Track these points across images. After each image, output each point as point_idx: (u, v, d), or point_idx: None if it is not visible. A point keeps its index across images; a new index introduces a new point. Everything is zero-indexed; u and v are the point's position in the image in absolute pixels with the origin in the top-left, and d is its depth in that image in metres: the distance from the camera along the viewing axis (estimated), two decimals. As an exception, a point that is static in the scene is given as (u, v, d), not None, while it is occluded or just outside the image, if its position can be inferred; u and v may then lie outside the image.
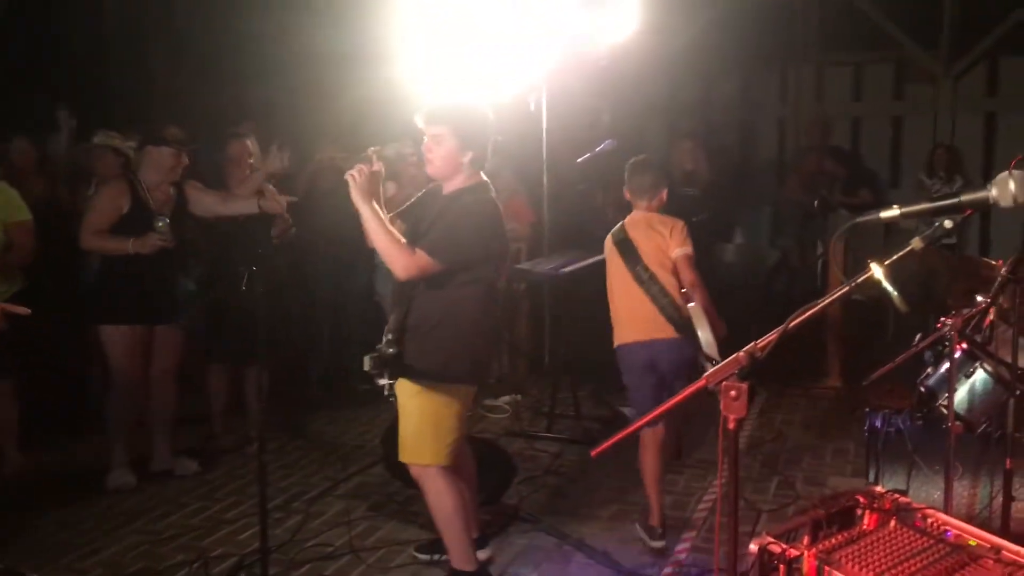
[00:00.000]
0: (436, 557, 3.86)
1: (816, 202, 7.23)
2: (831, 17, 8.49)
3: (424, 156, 3.46)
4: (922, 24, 8.35)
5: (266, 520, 3.32)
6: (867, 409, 3.69)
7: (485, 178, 3.50)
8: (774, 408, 6.06)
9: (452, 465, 3.51)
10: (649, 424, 3.30)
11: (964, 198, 1.77)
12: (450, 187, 3.44)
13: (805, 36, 8.67)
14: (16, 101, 6.49)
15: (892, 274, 1.75)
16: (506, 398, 6.12)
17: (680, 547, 4.09)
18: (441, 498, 3.50)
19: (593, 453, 2.03)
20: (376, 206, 3.35)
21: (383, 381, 3.46)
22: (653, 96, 8.70)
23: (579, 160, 6.04)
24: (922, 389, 3.44)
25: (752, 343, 1.79)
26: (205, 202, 4.97)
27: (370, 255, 6.17)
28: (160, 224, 4.70)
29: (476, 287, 3.41)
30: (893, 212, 1.82)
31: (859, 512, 2.60)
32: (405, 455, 3.54)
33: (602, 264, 5.88)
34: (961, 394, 3.29)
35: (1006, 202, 1.77)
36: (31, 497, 4.66)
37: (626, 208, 4.27)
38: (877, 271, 1.77)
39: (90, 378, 5.59)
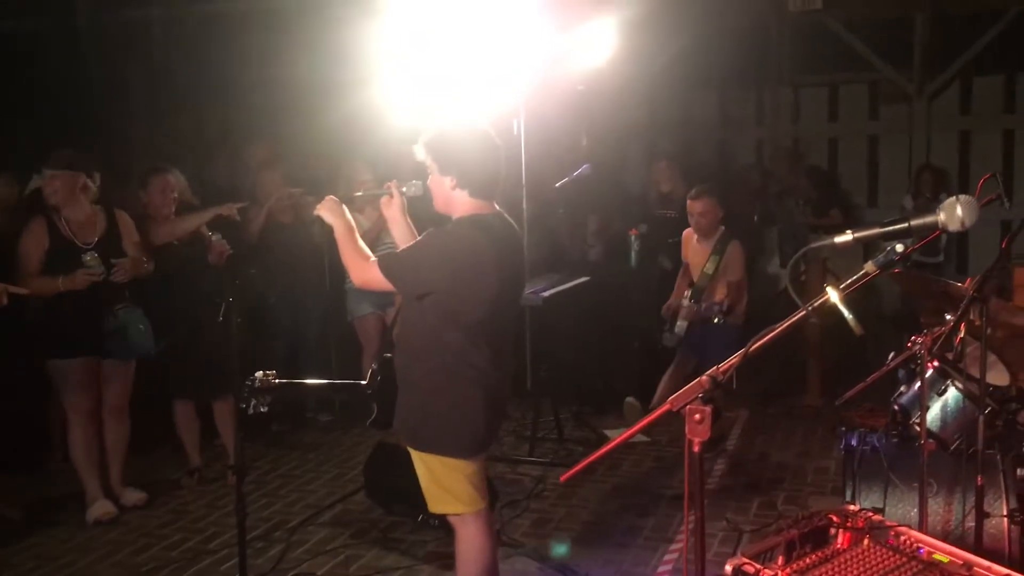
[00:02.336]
0: None
1: (756, 216, 7.41)
2: (805, 39, 8.61)
3: (431, 189, 3.25)
4: (895, 46, 8.49)
5: (245, 551, 3.30)
6: (843, 428, 3.71)
7: (497, 209, 3.23)
8: (756, 428, 6.09)
9: (484, 510, 3.26)
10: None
11: (913, 222, 1.81)
12: (455, 217, 3.20)
13: (780, 58, 8.79)
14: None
15: (849, 298, 1.78)
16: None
17: (662, 568, 4.09)
18: (471, 545, 3.24)
19: (562, 478, 2.04)
20: (347, 219, 3.31)
21: (371, 418, 3.41)
22: (632, 119, 8.79)
23: (557, 184, 6.09)
24: (896, 407, 3.47)
25: (714, 367, 1.81)
26: (163, 229, 4.98)
27: (339, 281, 6.13)
28: (88, 258, 4.63)
29: (447, 317, 3.10)
30: (846, 237, 1.86)
31: (833, 531, 2.62)
32: (431, 506, 3.30)
33: (582, 288, 5.95)
34: (934, 412, 3.32)
35: (954, 226, 1.81)
36: (6, 531, 4.63)
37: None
38: (833, 295, 1.81)
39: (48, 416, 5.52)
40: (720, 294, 5.63)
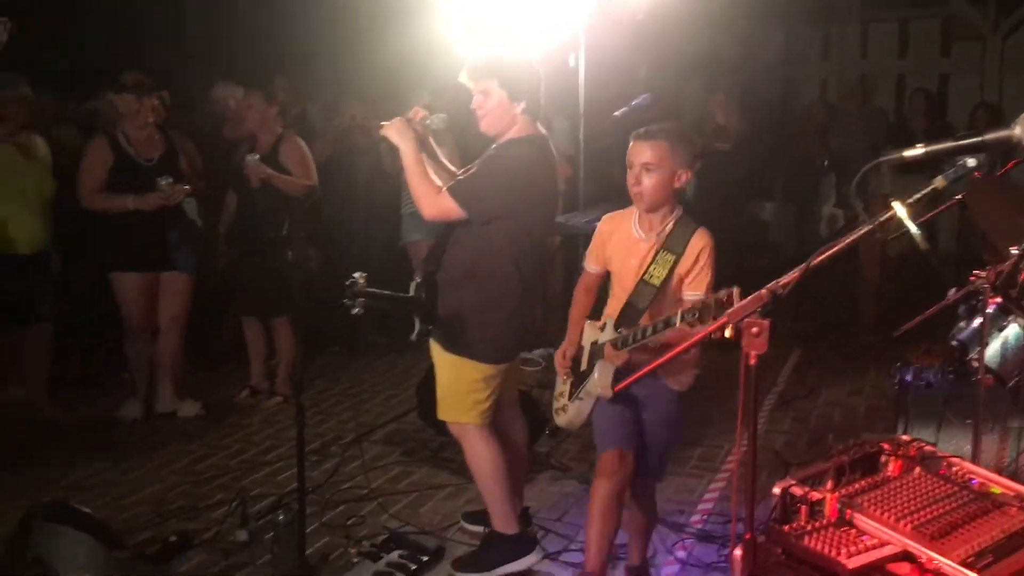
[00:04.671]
0: (485, 529, 3.65)
1: (825, 161, 7.18)
2: (877, -29, 8.33)
3: (477, 113, 3.35)
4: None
5: (304, 461, 3.40)
6: (898, 364, 3.68)
7: (542, 130, 3.40)
8: (807, 365, 6.06)
9: (489, 424, 3.48)
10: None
11: (987, 136, 1.76)
12: (502, 139, 3.35)
13: (849, -9, 8.52)
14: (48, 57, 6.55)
15: (915, 214, 1.75)
16: (539, 351, 6.16)
17: (708, 496, 4.14)
18: (478, 457, 3.48)
19: (616, 388, 2.08)
20: (415, 142, 3.33)
21: (415, 331, 3.49)
22: (692, 52, 8.61)
23: (616, 114, 6.01)
24: (954, 343, 3.43)
25: (774, 281, 1.81)
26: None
27: (397, 207, 6.23)
28: (163, 183, 4.78)
29: (509, 240, 3.30)
30: (916, 151, 1.82)
31: (883, 459, 2.62)
32: (441, 413, 3.52)
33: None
34: (993, 348, 3.28)
35: (1032, 138, 1.75)
36: (75, 440, 4.82)
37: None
38: (900, 209, 1.78)
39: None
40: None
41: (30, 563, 2.89)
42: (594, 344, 3.18)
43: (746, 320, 1.75)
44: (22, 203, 4.65)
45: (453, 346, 3.39)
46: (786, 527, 2.31)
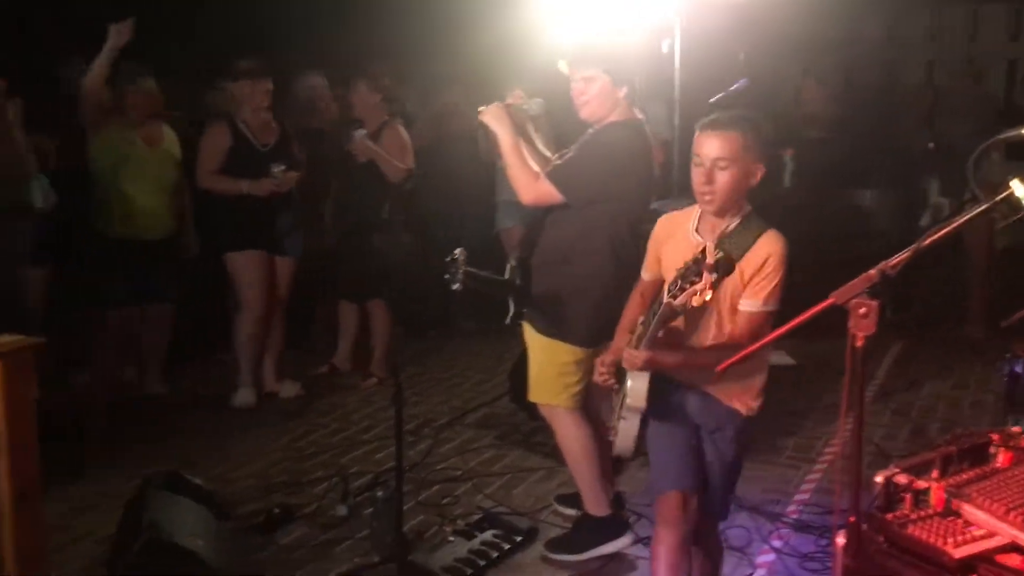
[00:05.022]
0: (578, 512, 3.68)
1: (931, 145, 6.90)
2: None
3: (576, 100, 3.35)
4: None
5: (402, 441, 3.48)
6: (1007, 355, 3.55)
7: (640, 115, 3.40)
8: (910, 357, 5.88)
9: (580, 407, 3.49)
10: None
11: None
12: (600, 124, 3.35)
13: (959, -29, 8.20)
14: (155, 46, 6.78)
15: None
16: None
17: (804, 486, 4.08)
18: (569, 440, 3.51)
19: (719, 368, 2.08)
20: (513, 130, 3.36)
21: (510, 314, 3.53)
22: (791, 35, 8.41)
23: (712, 100, 5.94)
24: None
25: (884, 261, 1.77)
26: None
27: (491, 194, 6.30)
28: (277, 170, 4.91)
29: (606, 224, 3.29)
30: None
31: (992, 450, 2.54)
32: (532, 395, 3.56)
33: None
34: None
35: None
36: (183, 415, 5.03)
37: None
38: (1019, 188, 1.72)
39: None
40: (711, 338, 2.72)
41: (146, 527, 3.04)
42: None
43: (854, 300, 1.73)
44: (149, 190, 4.83)
45: (547, 329, 3.41)
46: (889, 515, 2.27)
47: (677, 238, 2.75)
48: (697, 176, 2.62)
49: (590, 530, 3.54)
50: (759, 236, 2.61)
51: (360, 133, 5.21)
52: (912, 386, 5.40)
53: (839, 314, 2.13)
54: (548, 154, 3.61)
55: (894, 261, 1.78)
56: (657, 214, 5.14)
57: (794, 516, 3.82)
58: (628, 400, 2.62)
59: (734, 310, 2.61)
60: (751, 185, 2.65)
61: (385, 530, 3.50)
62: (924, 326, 6.24)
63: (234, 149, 4.95)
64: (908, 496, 2.32)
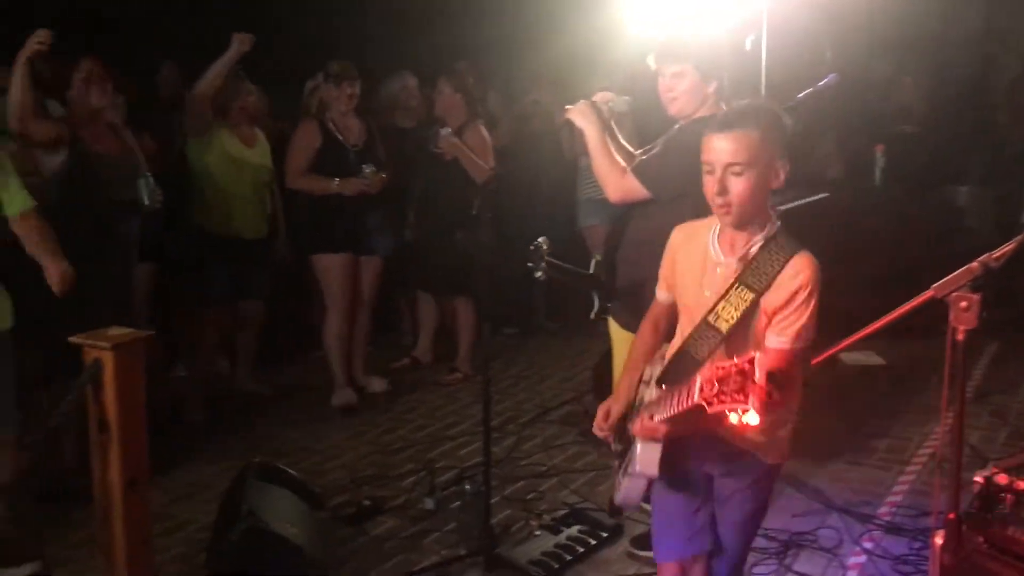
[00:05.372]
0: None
1: None
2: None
3: (664, 97, 3.34)
4: None
5: (489, 436, 3.52)
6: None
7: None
8: (1007, 358, 5.69)
9: None
10: None
11: None
12: (687, 120, 3.33)
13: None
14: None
15: None
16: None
17: (896, 488, 3.99)
18: None
19: (813, 361, 2.05)
20: (599, 127, 3.36)
21: (594, 309, 3.54)
22: (881, 30, 8.21)
23: (799, 96, 5.85)
24: None
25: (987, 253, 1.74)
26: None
27: (573, 192, 6.31)
28: (368, 171, 4.99)
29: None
30: None
31: (1100, 452, 2.47)
32: None
33: (816, 205, 5.69)
34: None
35: None
36: (273, 410, 5.18)
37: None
38: None
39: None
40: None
41: (244, 515, 3.15)
42: (639, 404, 2.44)
43: (955, 294, 1.70)
44: (246, 190, 4.97)
45: (632, 324, 3.40)
46: (989, 515, 2.23)
47: (694, 252, 2.41)
48: (709, 185, 2.27)
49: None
50: (787, 262, 2.21)
51: (447, 131, 5.29)
52: (1010, 388, 5.22)
53: (931, 312, 2.09)
54: (632, 150, 3.61)
55: (997, 253, 1.74)
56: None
57: (886, 518, 3.74)
58: (638, 467, 2.28)
59: (746, 345, 2.24)
60: (776, 187, 2.29)
61: (472, 523, 3.55)
62: (1021, 325, 6.01)
63: (324, 149, 5.05)
64: (1009, 496, 2.27)
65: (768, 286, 2.20)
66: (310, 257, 5.19)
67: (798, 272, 2.21)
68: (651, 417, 2.21)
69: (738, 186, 2.23)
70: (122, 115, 4.67)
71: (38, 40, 3.85)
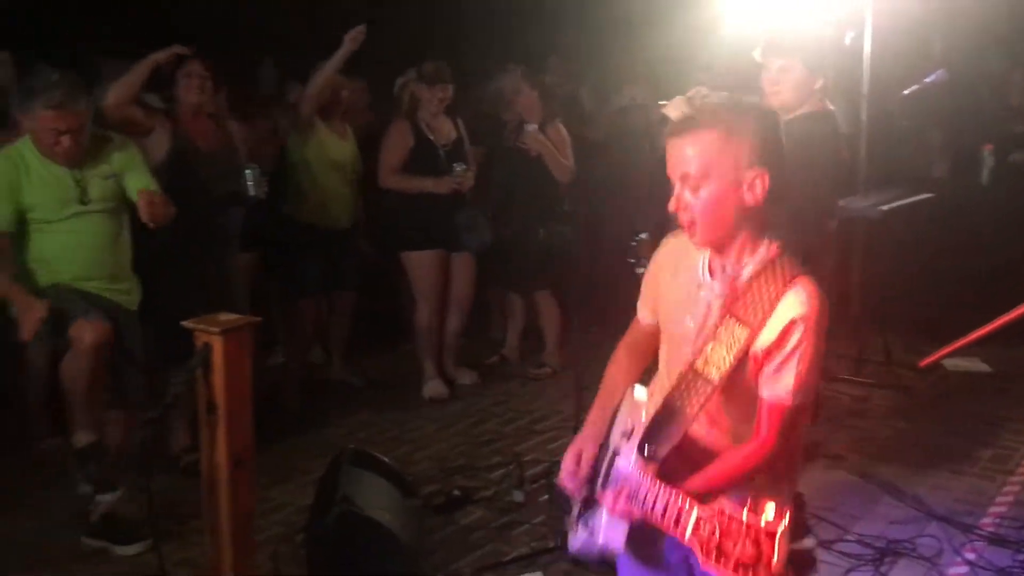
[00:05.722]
0: None
1: None
2: None
3: (768, 90, 3.30)
4: None
5: (579, 428, 3.51)
6: None
7: (831, 107, 3.34)
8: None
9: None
10: None
11: None
12: (790, 115, 3.26)
13: None
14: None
15: None
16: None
17: (1000, 499, 3.85)
18: None
19: (922, 364, 1.93)
20: None
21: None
22: (994, 23, 7.88)
23: (905, 92, 5.68)
24: None
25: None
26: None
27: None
28: (459, 169, 5.05)
29: (791, 218, 3.27)
30: None
31: None
32: None
33: (924, 205, 5.50)
34: None
35: None
36: (366, 399, 5.28)
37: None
38: None
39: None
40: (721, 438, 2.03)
41: (340, 500, 3.22)
42: (614, 455, 1.98)
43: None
44: (340, 181, 5.08)
45: None
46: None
47: (682, 269, 1.98)
48: (672, 201, 1.87)
49: (770, 530, 3.46)
50: (782, 293, 1.79)
51: (532, 127, 5.31)
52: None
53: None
54: None
55: None
56: (842, 211, 5.03)
57: (989, 529, 3.61)
58: (600, 539, 1.91)
59: (749, 395, 1.85)
60: (753, 203, 1.82)
61: (561, 517, 3.56)
62: None
63: (416, 148, 5.12)
64: None
65: (760, 321, 1.78)
66: (400, 254, 5.27)
67: (796, 303, 1.77)
68: (624, 497, 1.82)
69: (699, 201, 1.82)
70: (225, 109, 4.83)
71: (178, 51, 4.14)
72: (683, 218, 1.85)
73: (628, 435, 1.93)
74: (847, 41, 5.41)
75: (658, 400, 1.90)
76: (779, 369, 1.79)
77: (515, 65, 5.95)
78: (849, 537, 3.57)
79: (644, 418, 1.91)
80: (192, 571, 3.38)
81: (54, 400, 3.97)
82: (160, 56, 4.12)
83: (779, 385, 1.80)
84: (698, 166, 1.81)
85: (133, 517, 3.61)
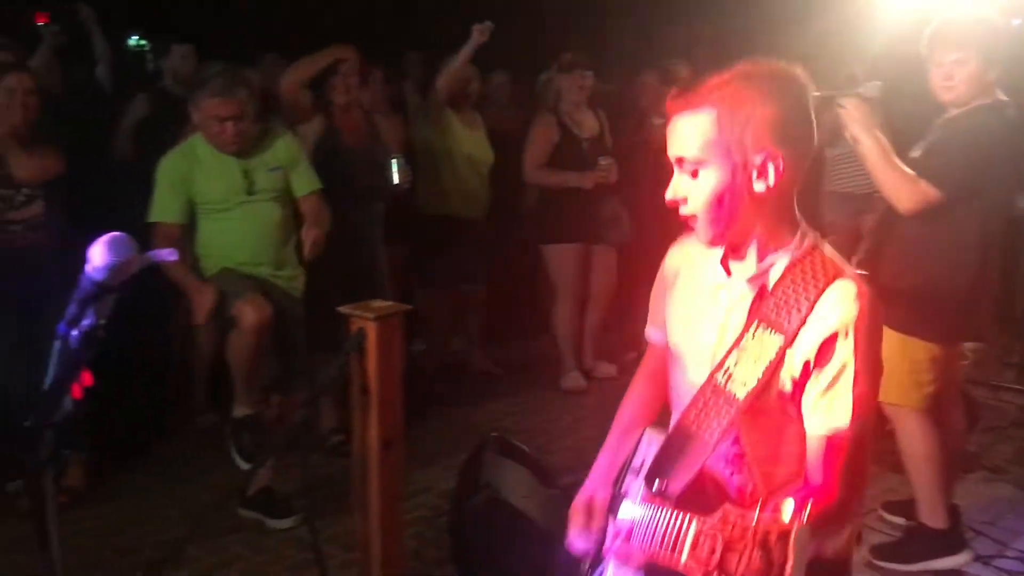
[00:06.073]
0: (907, 522, 3.52)
1: None
2: None
3: (939, 85, 3.14)
4: None
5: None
6: None
7: (1004, 97, 3.15)
8: None
9: (930, 410, 3.26)
10: None
11: None
12: (963, 108, 3.13)
13: None
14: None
15: None
16: (969, 344, 5.65)
17: None
18: (914, 443, 3.29)
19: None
20: (878, 135, 3.12)
21: None
22: None
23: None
24: None
25: None
26: None
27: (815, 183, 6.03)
28: (604, 162, 5.01)
29: (974, 215, 3.08)
30: None
31: None
32: (880, 393, 3.36)
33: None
34: None
35: None
36: (504, 389, 5.34)
37: None
38: None
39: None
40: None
41: (482, 486, 3.28)
42: (622, 496, 1.78)
43: None
44: (473, 172, 5.16)
45: (900, 324, 3.17)
46: None
47: (694, 279, 1.71)
48: (668, 190, 1.62)
49: (924, 541, 3.33)
50: (822, 292, 1.50)
51: (660, 121, 5.21)
52: None
53: None
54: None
55: None
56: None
57: None
58: None
59: (782, 427, 1.53)
60: (760, 191, 1.53)
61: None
62: None
63: (561, 142, 5.11)
64: None
65: (796, 329, 1.47)
66: (541, 247, 5.27)
67: (840, 304, 1.47)
68: (625, 538, 1.57)
69: (698, 190, 1.55)
70: (380, 92, 4.98)
71: (352, 52, 4.34)
72: (682, 210, 1.60)
73: (637, 471, 1.69)
74: (1015, 23, 5.10)
75: (675, 414, 1.63)
76: (828, 390, 1.48)
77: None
78: (1009, 553, 3.40)
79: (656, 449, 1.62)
80: (342, 546, 3.51)
81: (216, 377, 4.20)
82: (340, 52, 4.30)
83: (834, 414, 1.47)
84: (692, 149, 1.54)
85: (287, 492, 3.78)
